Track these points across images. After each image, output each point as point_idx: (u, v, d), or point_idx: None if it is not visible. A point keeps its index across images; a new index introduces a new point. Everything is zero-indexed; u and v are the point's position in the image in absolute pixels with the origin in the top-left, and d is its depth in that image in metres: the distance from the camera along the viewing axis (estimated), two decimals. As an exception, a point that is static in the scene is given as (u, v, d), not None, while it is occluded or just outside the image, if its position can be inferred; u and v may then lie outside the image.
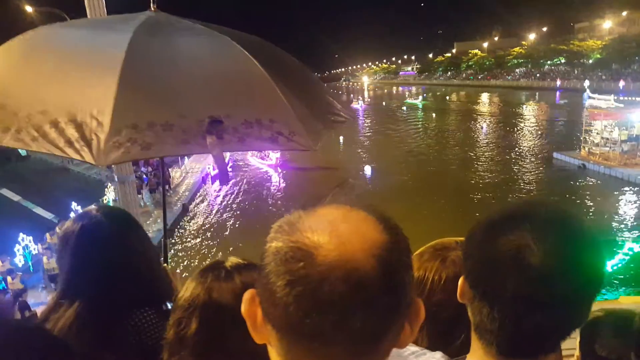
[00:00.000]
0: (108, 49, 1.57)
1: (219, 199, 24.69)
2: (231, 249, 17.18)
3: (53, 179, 27.98)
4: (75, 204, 18.57)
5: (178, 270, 15.38)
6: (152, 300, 1.46)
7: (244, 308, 0.59)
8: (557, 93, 77.43)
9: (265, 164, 30.21)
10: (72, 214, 17.00)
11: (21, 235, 16.02)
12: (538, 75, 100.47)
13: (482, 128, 45.90)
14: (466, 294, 0.86)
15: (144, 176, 22.86)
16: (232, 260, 1.15)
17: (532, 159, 30.16)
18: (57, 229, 14.12)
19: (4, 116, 1.46)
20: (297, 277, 0.51)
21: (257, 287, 0.57)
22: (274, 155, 29.11)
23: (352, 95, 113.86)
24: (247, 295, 0.59)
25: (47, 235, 16.61)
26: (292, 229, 0.54)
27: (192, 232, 20.15)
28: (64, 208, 19.04)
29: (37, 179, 28.20)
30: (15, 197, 25.43)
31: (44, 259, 14.58)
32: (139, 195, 19.85)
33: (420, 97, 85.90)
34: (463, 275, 0.87)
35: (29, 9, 26.32)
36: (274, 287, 0.52)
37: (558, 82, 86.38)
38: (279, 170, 28.78)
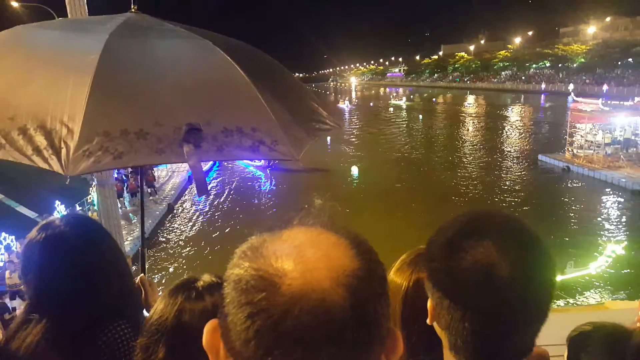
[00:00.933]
0: (82, 52, 1.50)
1: (205, 200, 24.49)
2: (216, 247, 17.07)
3: (36, 177, 27.46)
4: (59, 203, 18.28)
5: (161, 274, 15.27)
6: (123, 314, 1.40)
7: (205, 340, 0.54)
8: (542, 96, 78.43)
9: (254, 165, 29.63)
10: (55, 213, 16.70)
11: (3, 234, 15.71)
12: (523, 78, 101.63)
13: (467, 130, 46.27)
14: (441, 316, 0.86)
15: (124, 178, 22.45)
16: (205, 279, 1.11)
17: (517, 161, 30.47)
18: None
19: None
20: (258, 310, 0.45)
21: (218, 318, 0.52)
22: None
23: (339, 95, 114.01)
24: (209, 326, 0.54)
25: (17, 244, 14.93)
26: (255, 255, 0.49)
27: (177, 233, 19.96)
28: (48, 207, 18.71)
29: (20, 177, 27.61)
30: (-3, 196, 24.92)
31: (7, 273, 13.12)
32: (120, 199, 19.40)
33: (404, 99, 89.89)
34: (431, 301, 0.89)
35: (14, 4, 25.87)
36: (234, 319, 0.47)
37: (543, 86, 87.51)
38: (268, 172, 28.38)
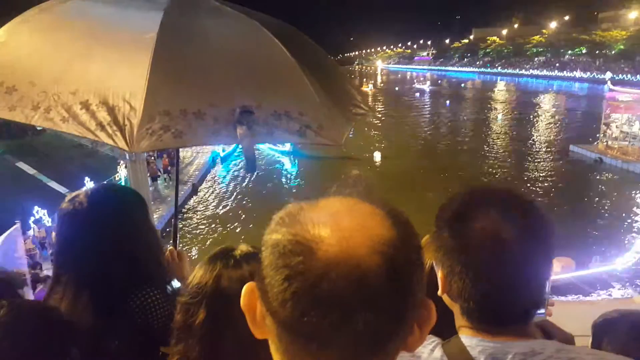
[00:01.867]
0: (139, 29, 1.53)
1: (229, 181, 24.80)
2: (239, 229, 17.29)
3: (67, 154, 28.33)
4: (88, 179, 18.79)
5: (186, 250, 15.58)
6: (152, 282, 1.42)
7: (243, 301, 0.56)
8: (577, 84, 76.16)
9: (278, 150, 29.05)
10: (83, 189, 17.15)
11: (36, 207, 16.31)
12: (557, 65, 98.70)
13: (496, 118, 45.37)
14: (452, 283, 0.91)
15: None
16: (242, 248, 1.14)
17: (547, 151, 29.80)
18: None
19: (33, 94, 1.43)
20: (295, 273, 0.47)
21: (256, 280, 0.54)
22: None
23: (364, 79, 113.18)
24: (246, 288, 0.56)
25: (35, 227, 15.07)
26: (293, 221, 0.51)
27: (201, 212, 20.29)
28: (77, 183, 19.26)
29: (52, 153, 28.56)
30: (31, 171, 25.82)
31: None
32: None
33: (428, 82, 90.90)
34: (442, 271, 0.94)
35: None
36: (272, 281, 0.49)
37: (578, 73, 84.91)
38: (292, 158, 28.08)
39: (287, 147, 28.08)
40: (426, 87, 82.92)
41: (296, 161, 27.55)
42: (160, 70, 1.40)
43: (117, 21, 1.65)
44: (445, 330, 0.94)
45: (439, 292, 0.95)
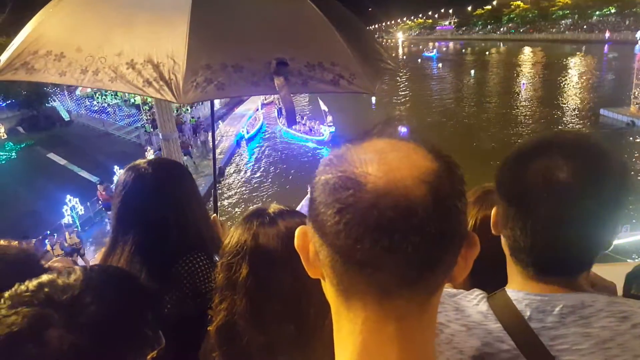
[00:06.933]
0: None
1: (254, 162, 24.95)
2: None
3: (96, 144, 28.91)
4: (118, 168, 19.23)
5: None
6: (200, 248, 1.49)
7: (296, 242, 0.60)
8: (606, 46, 73.12)
9: (314, 139, 26.95)
10: (115, 178, 17.57)
11: (68, 197, 16.79)
12: (585, 27, 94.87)
13: (522, 84, 44.10)
14: (500, 220, 0.89)
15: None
16: (274, 206, 1.18)
17: (577, 116, 28.94)
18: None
19: (81, 59, 1.53)
20: (346, 205, 0.50)
21: (307, 222, 0.57)
22: (327, 131, 26.12)
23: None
24: (298, 231, 0.60)
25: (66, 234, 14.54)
26: (340, 161, 0.54)
27: (228, 194, 20.55)
28: (107, 171, 19.71)
29: (81, 144, 29.17)
30: (62, 161, 26.45)
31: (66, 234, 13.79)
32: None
33: (435, 50, 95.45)
34: (496, 206, 0.91)
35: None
36: (324, 217, 0.52)
37: (607, 34, 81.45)
38: (330, 147, 26.04)
39: (326, 135, 26.77)
40: (433, 54, 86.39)
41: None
42: (199, 28, 1.48)
43: None
44: (491, 284, 0.93)
45: (492, 227, 0.93)
